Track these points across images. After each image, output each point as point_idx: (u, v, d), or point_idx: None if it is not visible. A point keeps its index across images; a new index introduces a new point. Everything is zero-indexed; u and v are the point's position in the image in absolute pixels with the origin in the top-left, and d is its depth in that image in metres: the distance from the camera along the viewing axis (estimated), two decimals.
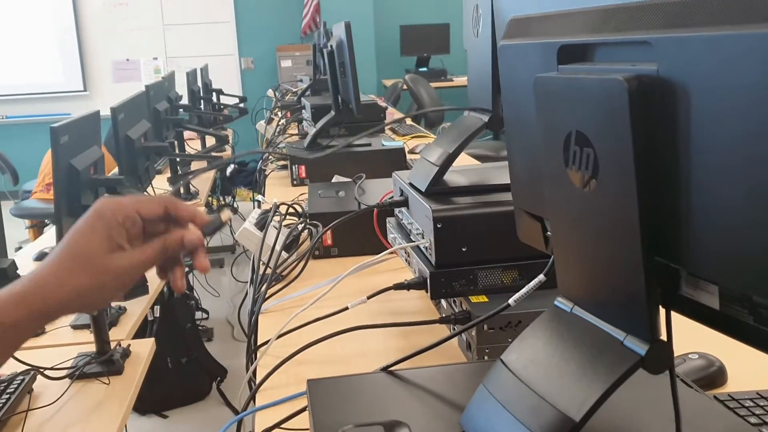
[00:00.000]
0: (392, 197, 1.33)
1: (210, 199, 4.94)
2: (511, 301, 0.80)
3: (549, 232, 0.76)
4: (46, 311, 0.64)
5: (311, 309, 1.22)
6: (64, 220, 1.92)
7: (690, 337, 1.12)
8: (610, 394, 0.59)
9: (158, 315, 2.73)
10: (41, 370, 1.53)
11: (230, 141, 4.54)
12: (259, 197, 1.75)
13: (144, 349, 1.78)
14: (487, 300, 1.08)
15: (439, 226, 1.07)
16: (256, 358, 1.18)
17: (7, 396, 1.46)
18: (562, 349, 0.66)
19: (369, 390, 0.79)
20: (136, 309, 2.04)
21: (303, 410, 0.90)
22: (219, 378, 3.17)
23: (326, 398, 0.78)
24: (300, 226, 1.50)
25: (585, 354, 0.63)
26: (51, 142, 1.77)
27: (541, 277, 0.77)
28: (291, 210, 1.59)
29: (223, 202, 5.16)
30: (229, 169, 5.50)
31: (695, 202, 0.53)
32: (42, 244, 2.71)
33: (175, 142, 3.08)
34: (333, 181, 2.05)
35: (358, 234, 1.58)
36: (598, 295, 0.65)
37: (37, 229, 4.17)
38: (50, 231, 2.93)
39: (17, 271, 1.37)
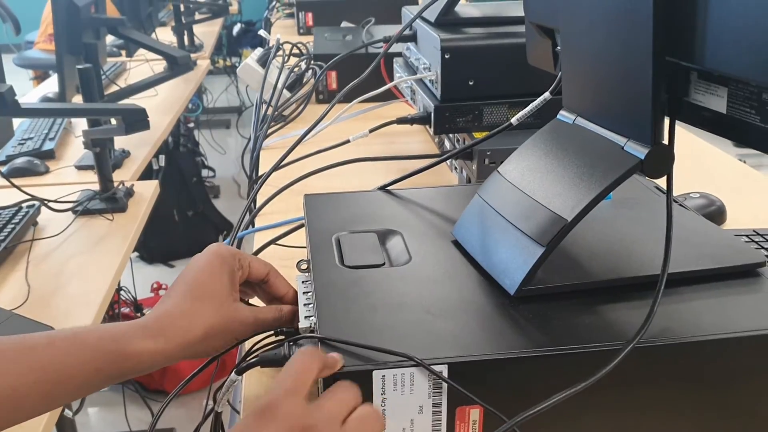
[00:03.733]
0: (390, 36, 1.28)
1: (216, 59, 4.84)
2: (513, 120, 0.78)
3: (559, 48, 0.73)
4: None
5: (313, 144, 1.21)
6: (65, 58, 1.89)
7: (693, 179, 1.11)
8: (604, 196, 0.58)
9: (163, 164, 2.73)
10: (46, 201, 1.54)
11: None
12: (262, 32, 1.70)
13: (148, 190, 1.79)
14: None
15: (447, 56, 1.03)
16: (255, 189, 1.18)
17: (12, 226, 1.48)
18: (561, 158, 0.65)
19: (365, 205, 0.79)
20: (140, 153, 2.04)
21: (299, 228, 0.91)
22: (225, 231, 3.22)
23: (323, 211, 0.78)
24: (303, 65, 1.46)
25: (584, 160, 0.62)
26: None
27: (546, 95, 0.75)
28: (295, 51, 1.54)
29: (227, 63, 5.04)
30: (236, 29, 5.34)
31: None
32: (44, 89, 2.68)
33: None
34: (341, 26, 1.99)
35: (367, 78, 1.54)
36: (603, 102, 0.63)
37: (41, 80, 4.12)
38: (53, 78, 2.88)
39: (15, 97, 1.35)
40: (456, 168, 1.14)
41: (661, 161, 0.58)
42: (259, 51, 1.51)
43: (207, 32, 3.54)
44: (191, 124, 3.58)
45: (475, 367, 0.52)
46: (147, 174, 2.31)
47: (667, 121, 0.60)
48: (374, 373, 0.52)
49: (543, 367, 0.53)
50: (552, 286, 0.60)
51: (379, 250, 0.68)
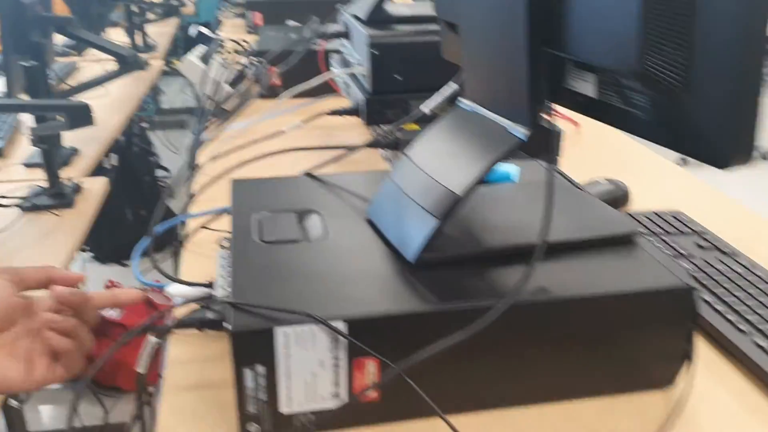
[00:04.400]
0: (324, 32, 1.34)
1: (171, 60, 4.84)
2: (425, 108, 0.84)
3: None
4: None
5: (254, 137, 1.26)
6: (11, 57, 1.90)
7: (604, 166, 1.19)
8: (488, 171, 0.65)
9: (115, 163, 2.75)
10: None
11: None
12: (203, 29, 1.74)
13: (97, 186, 1.81)
14: (418, 128, 1.12)
15: (375, 52, 1.09)
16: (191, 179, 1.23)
17: None
18: (457, 140, 0.71)
19: (290, 189, 0.85)
20: (90, 151, 2.06)
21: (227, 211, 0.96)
22: None
23: (249, 195, 0.83)
24: (245, 62, 1.51)
25: (475, 142, 0.69)
26: None
27: (451, 83, 0.82)
28: (238, 48, 1.59)
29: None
30: (192, 30, 5.32)
31: None
32: None
33: None
34: (287, 23, 2.04)
35: (307, 75, 1.59)
36: (492, 90, 0.69)
37: None
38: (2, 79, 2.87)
39: None
40: (388, 158, 1.21)
41: (539, 140, 0.64)
42: (201, 48, 1.55)
43: (161, 33, 3.55)
44: (145, 124, 3.59)
45: (370, 322, 0.59)
46: (99, 173, 2.33)
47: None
48: (277, 330, 0.57)
49: (431, 322, 0.59)
50: (447, 254, 0.66)
51: (296, 227, 0.74)
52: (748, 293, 0.80)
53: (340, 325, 0.58)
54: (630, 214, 0.98)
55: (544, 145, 0.65)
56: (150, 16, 3.32)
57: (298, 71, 1.57)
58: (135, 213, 3.10)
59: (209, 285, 0.72)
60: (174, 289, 0.74)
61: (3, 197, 1.60)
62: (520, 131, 0.65)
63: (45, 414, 2.34)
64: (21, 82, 1.93)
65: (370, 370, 0.60)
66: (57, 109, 1.53)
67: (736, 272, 0.84)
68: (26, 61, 1.82)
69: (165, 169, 3.80)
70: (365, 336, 0.59)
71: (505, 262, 0.66)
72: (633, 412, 0.64)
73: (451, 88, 0.82)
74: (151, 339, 0.62)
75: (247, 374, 0.58)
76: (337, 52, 1.45)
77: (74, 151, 2.03)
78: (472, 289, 0.63)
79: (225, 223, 0.96)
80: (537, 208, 0.76)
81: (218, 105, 1.44)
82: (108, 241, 3.06)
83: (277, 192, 0.84)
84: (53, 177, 1.70)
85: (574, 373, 0.64)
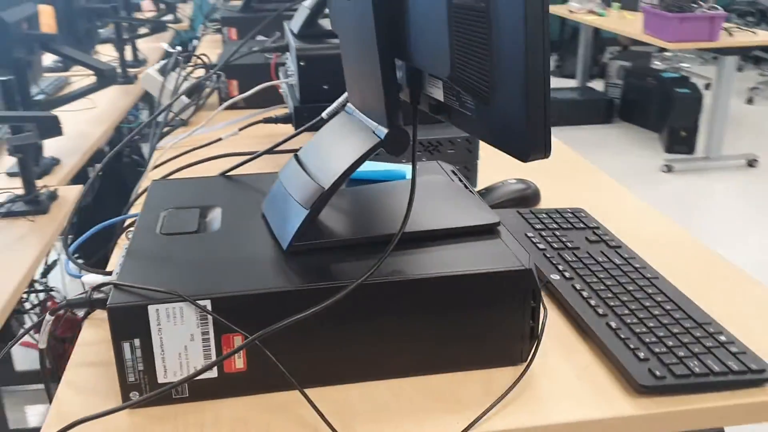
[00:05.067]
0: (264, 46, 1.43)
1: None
2: (324, 113, 0.92)
3: None
4: None
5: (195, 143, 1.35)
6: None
7: (517, 169, 1.26)
8: (356, 167, 0.73)
9: (100, 173, 2.84)
10: None
11: (188, 13, 4.51)
12: (164, 44, 1.83)
13: (71, 193, 1.90)
14: None
15: (302, 63, 1.18)
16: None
17: None
18: (336, 141, 0.79)
19: (204, 189, 0.93)
20: (71, 161, 2.15)
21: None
22: None
23: (165, 193, 0.91)
24: (203, 73, 1.60)
25: (350, 142, 0.77)
26: None
27: (346, 94, 0.89)
28: (199, 61, 1.68)
29: None
30: (164, 46, 5.44)
31: (411, 8, 0.65)
32: None
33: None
34: (257, 39, 2.13)
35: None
36: (362, 95, 0.77)
37: None
38: None
39: None
40: None
41: (398, 140, 0.72)
42: (162, 62, 1.64)
43: (152, 48, 3.66)
44: (137, 136, 3.69)
45: (233, 300, 0.66)
46: (83, 182, 2.43)
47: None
48: (149, 307, 0.65)
49: (289, 300, 0.67)
50: (317, 242, 0.74)
51: (196, 221, 0.82)
52: (618, 282, 0.87)
53: (206, 303, 0.66)
54: (531, 211, 1.05)
55: (400, 144, 0.72)
56: (141, 31, 3.43)
57: (255, 83, 1.66)
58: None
59: (109, 273, 0.80)
60: (88, 278, 0.82)
61: None
62: (381, 131, 0.72)
63: (29, 413, 2.43)
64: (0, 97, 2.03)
65: (237, 344, 0.68)
66: (27, 120, 1.62)
67: (614, 263, 0.91)
68: (5, 75, 1.92)
69: None
70: (231, 313, 0.66)
71: (371, 250, 0.74)
72: (481, 383, 0.72)
73: (344, 96, 0.89)
74: (47, 317, 0.70)
75: (126, 347, 0.66)
76: (284, 64, 1.53)
77: (55, 161, 2.12)
78: (334, 271, 0.70)
79: None
80: (424, 204, 0.84)
81: (175, 115, 1.52)
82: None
83: (190, 191, 0.92)
84: (29, 185, 1.79)
85: (428, 350, 0.72)
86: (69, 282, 3.01)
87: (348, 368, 0.71)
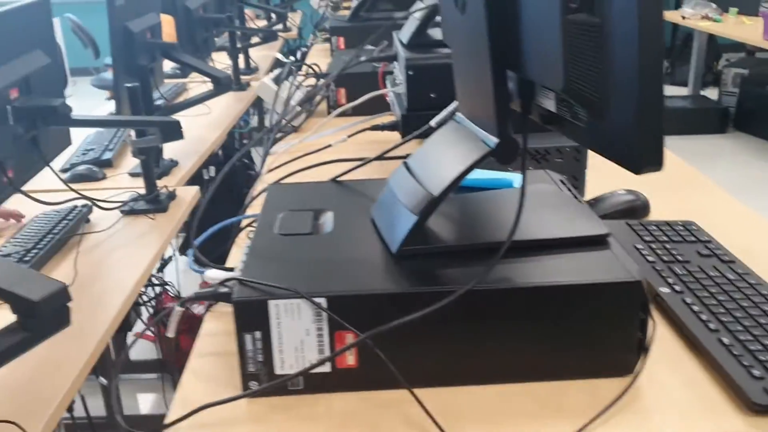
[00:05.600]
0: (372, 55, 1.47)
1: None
2: (432, 122, 0.95)
3: None
4: None
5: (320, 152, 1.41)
6: (121, 79, 2.15)
7: (626, 179, 1.25)
8: (465, 175, 0.75)
9: (213, 175, 2.98)
10: (95, 201, 1.78)
11: (297, 23, 4.66)
12: (277, 53, 1.91)
13: (189, 194, 2.02)
14: None
15: (410, 73, 1.21)
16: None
17: (67, 221, 1.73)
18: (445, 149, 0.81)
19: (316, 193, 0.97)
20: (188, 163, 2.28)
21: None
22: None
23: (280, 197, 0.96)
24: (312, 83, 1.66)
25: (459, 150, 0.79)
26: (107, 4, 1.96)
27: (455, 103, 0.92)
28: (310, 71, 1.75)
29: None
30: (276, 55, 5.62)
31: (524, 23, 0.67)
32: (110, 107, 2.99)
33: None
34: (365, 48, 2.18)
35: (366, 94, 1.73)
36: (473, 105, 0.79)
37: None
38: None
39: (69, 111, 1.60)
40: None
41: (508, 150, 0.74)
42: (277, 71, 1.72)
43: (263, 56, 3.81)
44: (246, 141, 3.84)
45: (347, 299, 0.70)
46: (198, 184, 2.57)
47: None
48: (270, 302, 0.70)
49: (400, 302, 0.70)
50: (425, 247, 0.77)
51: (310, 223, 0.86)
52: (731, 297, 0.85)
53: (322, 301, 0.70)
54: (641, 222, 1.04)
55: (510, 153, 0.74)
56: (253, 40, 3.57)
57: (362, 91, 1.70)
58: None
59: (233, 269, 0.85)
60: (211, 274, 0.88)
61: (105, 201, 1.83)
62: (491, 140, 0.74)
63: (141, 402, 2.57)
64: (128, 102, 2.17)
65: (349, 341, 0.71)
66: (151, 125, 1.73)
67: (727, 278, 0.89)
68: (130, 82, 2.06)
69: None
70: (344, 312, 0.70)
71: (477, 257, 0.76)
72: (587, 392, 0.72)
73: (454, 105, 0.92)
74: (176, 308, 0.76)
75: (248, 339, 0.71)
76: (391, 73, 1.57)
77: (174, 163, 2.25)
78: (441, 276, 0.72)
79: None
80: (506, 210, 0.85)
81: (287, 122, 1.59)
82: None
83: (304, 196, 0.96)
84: (150, 185, 1.92)
85: (535, 357, 0.73)
86: (182, 277, 3.18)
87: (454, 371, 0.73)
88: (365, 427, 0.68)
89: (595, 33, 0.58)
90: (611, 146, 0.62)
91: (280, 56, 1.94)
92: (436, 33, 1.32)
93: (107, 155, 2.27)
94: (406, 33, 1.30)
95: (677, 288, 0.87)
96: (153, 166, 1.94)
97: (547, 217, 0.82)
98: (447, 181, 0.75)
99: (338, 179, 1.01)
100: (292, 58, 2.61)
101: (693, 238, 1.00)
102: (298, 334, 0.71)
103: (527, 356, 0.73)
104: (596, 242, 0.78)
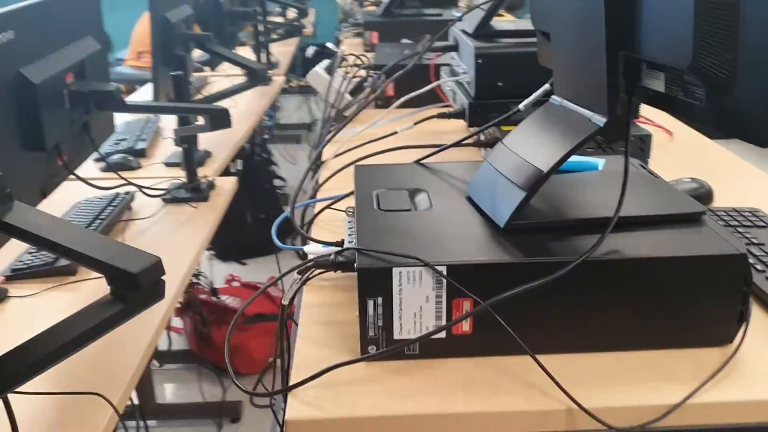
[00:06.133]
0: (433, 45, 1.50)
1: (290, 78, 5.15)
2: (521, 105, 0.98)
3: None
4: None
5: (370, 139, 1.44)
6: (159, 69, 2.18)
7: (690, 167, 1.28)
8: (573, 153, 0.78)
9: (240, 168, 3.01)
10: (143, 188, 1.81)
11: (312, 18, 4.69)
12: (329, 44, 1.94)
13: (227, 185, 2.04)
14: None
15: (480, 61, 1.24)
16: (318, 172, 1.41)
17: (112, 208, 1.75)
18: (547, 129, 0.85)
19: (402, 174, 1.00)
20: (220, 154, 2.30)
21: (347, 197, 1.13)
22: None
23: (368, 177, 0.99)
24: (363, 74, 1.69)
25: (561, 129, 0.82)
26: None
27: (546, 86, 0.95)
28: (357, 62, 1.78)
29: (301, 83, 5.33)
30: (310, 51, 5.65)
31: (645, 5, 0.70)
32: (138, 96, 3.01)
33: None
34: (401, 42, 2.22)
35: (417, 86, 1.76)
36: (576, 85, 0.83)
37: (128, 94, 4.52)
38: (140, 92, 3.21)
39: (122, 96, 1.62)
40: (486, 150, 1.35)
41: (615, 129, 0.77)
42: (326, 61, 1.75)
43: (283, 52, 3.84)
44: (266, 136, 3.87)
45: (466, 268, 0.73)
46: (225, 176, 2.60)
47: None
48: (393, 270, 0.73)
49: (515, 272, 0.73)
50: (533, 221, 0.80)
51: (407, 201, 0.89)
52: None
53: (443, 269, 0.73)
54: (709, 209, 1.08)
55: (617, 132, 0.77)
56: (273, 35, 3.60)
57: (410, 83, 1.73)
58: (255, 217, 3.36)
59: (339, 243, 0.88)
60: (311, 248, 0.91)
61: (150, 188, 1.85)
62: (599, 119, 0.78)
63: (169, 391, 2.59)
64: (166, 90, 2.20)
65: (466, 309, 0.74)
66: (201, 112, 1.76)
67: None
68: (172, 72, 2.09)
69: (282, 179, 4.07)
70: (462, 280, 0.73)
71: (582, 231, 0.79)
72: (692, 360, 0.75)
73: (543, 89, 0.95)
74: (295, 275, 0.79)
75: (370, 304, 0.74)
76: (446, 64, 1.60)
77: (207, 154, 2.27)
78: (552, 248, 0.76)
79: (344, 204, 1.12)
80: (614, 191, 0.88)
81: (339, 112, 1.62)
82: (228, 240, 3.33)
83: (391, 176, 1.00)
84: (192, 174, 1.94)
85: (642, 326, 0.76)
86: (209, 265, 3.20)
87: (563, 339, 0.76)
88: (487, 390, 0.71)
89: (731, 11, 0.61)
90: (734, 122, 0.65)
91: (331, 46, 1.96)
92: (497, 24, 1.35)
93: (141, 145, 2.29)
94: (470, 23, 1.33)
95: (758, 267, 0.91)
96: (194, 155, 1.97)
97: (642, 196, 0.85)
98: (555, 158, 0.78)
99: (421, 162, 1.05)
100: (312, 49, 2.64)
101: (762, 224, 1.04)
102: (417, 301, 0.74)
103: (633, 325, 0.76)
104: (693, 219, 0.82)
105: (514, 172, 0.82)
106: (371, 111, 1.74)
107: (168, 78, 2.09)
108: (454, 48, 1.42)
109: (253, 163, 3.32)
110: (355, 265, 0.73)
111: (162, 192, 1.88)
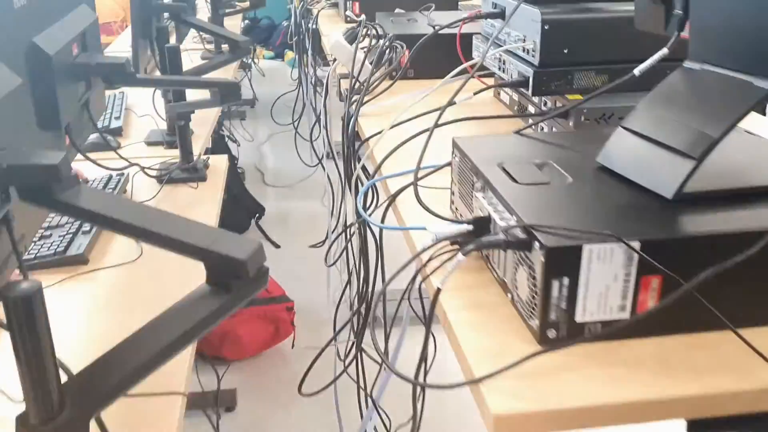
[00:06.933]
0: (478, 13, 1.44)
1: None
2: (636, 71, 0.93)
3: (677, 11, 0.89)
4: None
5: (403, 114, 1.37)
6: (138, 42, 2.02)
7: None
8: (744, 117, 0.74)
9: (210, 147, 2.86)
10: (142, 167, 1.67)
11: None
12: (348, 12, 1.84)
13: (221, 163, 1.93)
14: (581, 98, 1.22)
15: (546, 27, 1.19)
16: (357, 153, 1.34)
17: (110, 191, 1.62)
18: (696, 94, 0.81)
19: (507, 145, 0.94)
20: (203, 132, 2.17)
21: (436, 170, 1.06)
22: (258, 215, 3.36)
23: (475, 149, 0.93)
24: (384, 44, 1.61)
25: (717, 93, 0.78)
26: None
27: (664, 50, 0.91)
28: (372, 32, 1.70)
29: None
30: (240, 24, 5.45)
31: None
32: None
33: None
34: (396, 11, 2.14)
35: (434, 57, 1.69)
36: (734, 48, 0.79)
37: None
38: None
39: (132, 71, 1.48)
40: (543, 128, 1.30)
41: None
42: (342, 29, 1.65)
43: (232, 25, 3.68)
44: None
45: (660, 243, 0.68)
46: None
47: None
48: (584, 246, 0.67)
49: (709, 244, 0.69)
50: (704, 190, 0.76)
51: (540, 173, 0.84)
52: None
53: (636, 245, 0.68)
54: None
55: None
56: (228, 9, 3.43)
57: (427, 53, 1.67)
58: (230, 195, 3.21)
59: (474, 222, 0.82)
60: (435, 228, 0.84)
61: (150, 168, 1.72)
62: (764, 84, 0.74)
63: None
64: (145, 65, 2.05)
65: (654, 286, 0.70)
66: (212, 86, 1.63)
67: None
68: (150, 43, 1.95)
69: (234, 157, 3.93)
70: (654, 256, 0.68)
71: (751, 199, 0.76)
72: None
73: (661, 53, 0.91)
74: (459, 257, 0.72)
75: (555, 285, 0.68)
76: (476, 33, 1.55)
77: (191, 132, 2.14)
78: (738, 218, 0.72)
79: (432, 180, 1.06)
80: (760, 155, 0.85)
81: (363, 83, 1.54)
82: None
83: (497, 148, 0.94)
84: (187, 153, 1.82)
85: None
86: None
87: (755, 310, 0.72)
88: (685, 369, 0.67)
89: None
90: None
91: (351, 15, 1.86)
92: None
93: (116, 123, 2.14)
94: None
95: None
96: (189, 132, 1.85)
97: None
98: (727, 122, 0.74)
99: (520, 132, 0.99)
100: (318, 24, 2.51)
101: None
102: (605, 280, 0.69)
103: None
104: None
105: (673, 138, 0.78)
106: (399, 85, 1.67)
107: (147, 51, 1.95)
108: (499, 15, 1.37)
109: (213, 141, 3.17)
110: (538, 243, 0.67)
111: (164, 172, 1.75)
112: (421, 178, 1.07)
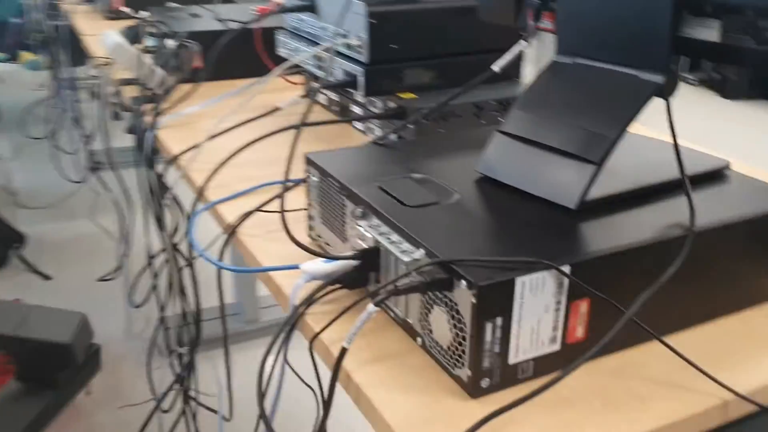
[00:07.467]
0: (284, 6, 1.30)
1: None
2: (494, 66, 0.86)
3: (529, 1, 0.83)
4: None
5: (214, 123, 1.21)
6: None
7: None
8: (637, 115, 0.70)
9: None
10: None
11: None
12: (125, 8, 1.58)
13: None
14: (415, 97, 1.14)
15: (374, 22, 1.09)
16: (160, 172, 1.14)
17: None
18: (579, 88, 0.75)
19: (371, 160, 0.83)
20: None
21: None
22: (16, 244, 2.91)
23: (335, 165, 0.80)
24: (171, 43, 1.41)
25: (602, 90, 0.73)
26: None
27: (523, 43, 0.85)
28: (154, 30, 1.48)
29: None
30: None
31: None
32: None
33: None
34: (168, 5, 1.91)
35: (236, 55, 1.52)
36: (611, 40, 0.74)
37: None
38: None
39: None
40: (366, 129, 1.21)
41: (673, 85, 0.71)
42: (116, 30, 1.42)
43: None
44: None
45: (590, 264, 0.61)
46: None
47: None
48: (516, 279, 0.58)
49: (634, 257, 0.63)
50: (603, 195, 0.70)
51: (424, 191, 0.74)
52: None
53: (566, 269, 0.60)
54: None
55: (673, 89, 0.71)
56: None
57: (225, 52, 1.50)
58: None
59: (362, 256, 0.69)
60: (311, 266, 0.70)
61: None
62: (655, 78, 0.70)
63: None
64: None
65: (582, 311, 0.63)
66: None
67: None
68: None
69: None
70: (581, 278, 0.61)
71: (648, 199, 0.72)
72: None
73: (520, 47, 0.85)
74: (370, 308, 0.59)
75: (488, 328, 0.58)
76: (279, 28, 1.41)
77: None
78: (645, 225, 0.67)
79: (276, 205, 0.91)
80: (645, 154, 0.83)
81: (154, 91, 1.33)
82: None
83: (362, 161, 0.82)
84: None
85: (748, 284, 0.71)
86: None
87: (676, 316, 0.69)
88: (630, 399, 0.61)
89: None
90: None
91: (127, 10, 1.58)
92: None
93: None
94: None
95: None
96: None
97: (668, 157, 0.81)
98: (622, 121, 0.69)
99: (379, 142, 0.88)
100: (72, 21, 2.16)
101: None
102: (536, 313, 0.60)
103: (741, 285, 0.71)
104: (716, 176, 0.80)
105: (565, 141, 0.72)
106: (205, 88, 1.48)
107: None
108: (309, 8, 1.24)
109: None
110: (465, 282, 0.57)
111: None
112: (270, 200, 0.92)
